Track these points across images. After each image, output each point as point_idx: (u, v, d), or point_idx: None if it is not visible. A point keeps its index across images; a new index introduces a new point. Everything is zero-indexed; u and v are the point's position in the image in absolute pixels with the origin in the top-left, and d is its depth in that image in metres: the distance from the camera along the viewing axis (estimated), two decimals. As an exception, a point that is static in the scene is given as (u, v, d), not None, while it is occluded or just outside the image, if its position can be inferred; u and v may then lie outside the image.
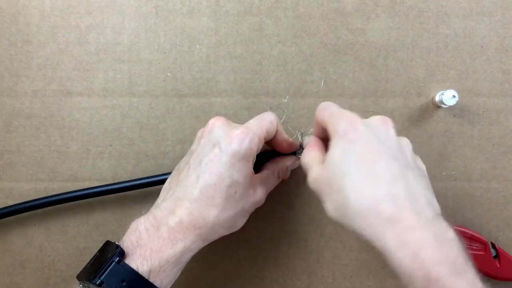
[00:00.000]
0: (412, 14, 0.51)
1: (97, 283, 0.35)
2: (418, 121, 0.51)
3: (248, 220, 0.51)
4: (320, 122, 0.40)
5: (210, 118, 0.50)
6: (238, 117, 0.50)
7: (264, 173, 0.43)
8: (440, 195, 0.51)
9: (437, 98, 0.49)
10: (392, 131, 0.38)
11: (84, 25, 0.51)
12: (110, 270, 0.35)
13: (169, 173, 0.47)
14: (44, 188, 0.50)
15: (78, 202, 0.50)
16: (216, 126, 0.40)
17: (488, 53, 0.51)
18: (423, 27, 0.51)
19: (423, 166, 0.39)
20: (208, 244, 0.50)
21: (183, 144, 0.50)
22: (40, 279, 0.50)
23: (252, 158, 0.39)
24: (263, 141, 0.40)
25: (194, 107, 0.51)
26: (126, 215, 0.50)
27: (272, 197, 0.50)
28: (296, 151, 0.46)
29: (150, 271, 0.36)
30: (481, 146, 0.51)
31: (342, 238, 0.51)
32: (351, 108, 0.51)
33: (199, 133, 0.43)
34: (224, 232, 0.40)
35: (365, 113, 0.51)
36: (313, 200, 0.51)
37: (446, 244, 0.30)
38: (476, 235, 0.49)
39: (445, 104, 0.48)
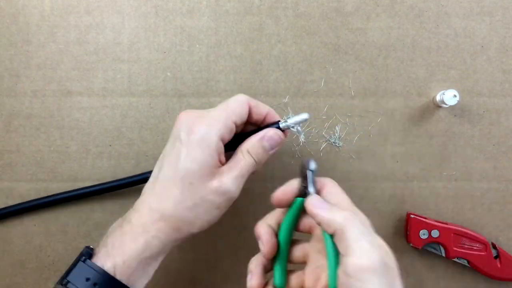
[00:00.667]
0: (413, 13, 0.51)
1: (63, 283, 0.36)
2: (418, 121, 0.51)
3: (248, 220, 0.51)
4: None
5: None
6: (238, 117, 0.50)
7: (231, 160, 0.39)
8: (440, 195, 0.51)
9: (437, 98, 0.49)
10: None
11: (84, 25, 0.50)
12: (75, 270, 0.36)
13: None
14: (44, 188, 0.50)
15: (78, 202, 0.50)
16: (180, 120, 0.39)
17: (489, 53, 0.51)
18: (424, 27, 0.51)
19: None
20: (208, 244, 0.51)
21: (183, 144, 0.50)
22: (40, 279, 0.50)
23: (215, 146, 0.37)
24: (232, 125, 0.38)
25: (194, 107, 0.50)
26: (126, 215, 0.50)
27: (273, 196, 0.50)
28: (278, 121, 0.41)
29: (114, 267, 0.36)
30: (482, 146, 0.51)
31: (342, 238, 0.50)
32: (352, 108, 0.51)
33: None
34: (187, 228, 0.38)
35: (365, 113, 0.51)
36: (313, 200, 0.50)
37: None
38: (476, 235, 0.49)
39: (445, 104, 0.48)
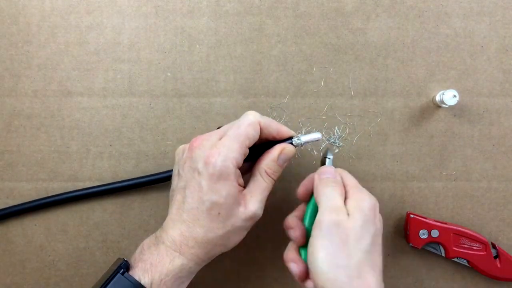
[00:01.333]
0: (412, 14, 0.51)
1: None
2: (418, 121, 0.51)
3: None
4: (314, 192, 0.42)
5: (210, 118, 0.51)
6: (238, 117, 0.50)
7: (251, 183, 0.42)
8: (440, 195, 0.51)
9: (437, 98, 0.49)
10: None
11: (84, 25, 0.51)
12: (114, 281, 0.38)
13: (167, 171, 0.48)
14: (45, 188, 0.50)
15: (78, 202, 0.50)
16: (195, 148, 0.40)
17: (489, 53, 0.51)
18: (424, 27, 0.51)
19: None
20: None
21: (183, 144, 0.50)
22: (40, 279, 0.50)
23: (233, 175, 0.39)
24: (246, 150, 0.40)
25: (194, 107, 0.51)
26: (126, 215, 0.50)
27: (272, 197, 0.50)
28: (292, 137, 0.43)
29: (151, 283, 0.38)
30: (482, 146, 0.51)
31: (342, 238, 0.51)
32: (352, 108, 0.51)
33: (179, 152, 0.43)
34: (220, 250, 0.41)
35: (365, 113, 0.51)
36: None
37: None
38: (476, 235, 0.49)
39: (445, 104, 0.48)
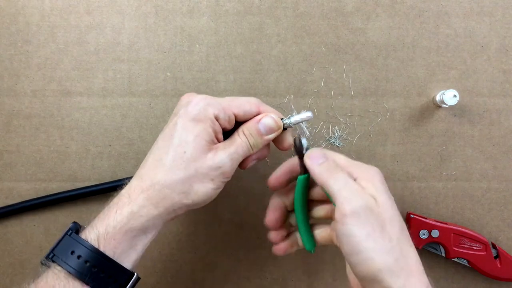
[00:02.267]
0: (413, 13, 0.51)
1: (49, 256, 0.36)
2: (418, 121, 0.51)
3: (248, 220, 0.51)
4: (319, 180, 0.38)
5: (210, 118, 0.50)
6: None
7: (228, 139, 0.40)
8: (440, 195, 0.51)
9: (437, 98, 0.49)
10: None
11: (84, 25, 0.50)
12: (61, 244, 0.36)
13: None
14: (44, 188, 0.50)
15: (77, 202, 0.50)
16: (182, 98, 0.40)
17: (489, 53, 0.51)
18: (424, 27, 0.51)
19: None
20: (208, 244, 0.51)
21: (183, 144, 0.50)
22: (39, 279, 0.50)
23: (209, 121, 0.38)
24: (231, 115, 0.39)
25: (194, 107, 0.50)
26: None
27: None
28: (282, 119, 0.41)
29: (98, 239, 0.36)
30: (482, 146, 0.51)
31: (342, 238, 0.51)
32: (352, 108, 0.51)
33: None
34: (179, 199, 0.37)
35: (365, 113, 0.51)
36: (313, 200, 0.50)
37: None
38: (476, 235, 0.49)
39: (445, 104, 0.48)
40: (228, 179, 0.39)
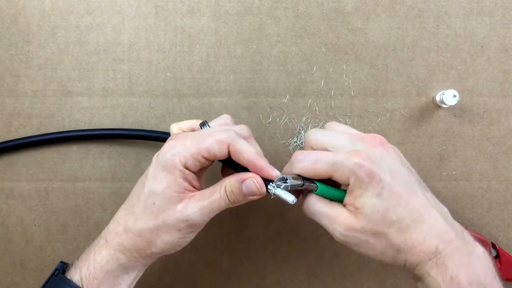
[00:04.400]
0: (412, 14, 0.51)
1: None
2: (418, 121, 0.51)
3: (248, 220, 0.51)
4: (319, 175, 0.37)
5: (210, 118, 0.50)
6: (238, 117, 0.50)
7: (208, 189, 0.39)
8: (440, 195, 0.51)
9: (437, 98, 0.49)
10: (393, 153, 0.38)
11: (84, 25, 0.51)
12: (48, 283, 0.38)
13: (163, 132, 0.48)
14: (44, 188, 0.50)
15: (77, 202, 0.50)
16: (166, 144, 0.39)
17: (489, 53, 0.51)
18: (424, 27, 0.51)
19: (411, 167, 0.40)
20: (208, 244, 0.51)
21: (183, 144, 0.50)
22: (40, 279, 0.50)
23: (178, 172, 0.37)
24: (201, 159, 0.37)
25: (194, 107, 0.51)
26: (126, 215, 0.50)
27: (272, 197, 0.50)
28: (269, 182, 0.38)
29: (81, 279, 0.37)
30: (482, 146, 0.51)
31: (342, 238, 0.51)
32: (351, 108, 0.51)
33: None
34: (148, 245, 0.38)
35: (365, 113, 0.51)
36: (313, 200, 0.51)
37: (477, 262, 0.35)
38: (476, 235, 0.49)
39: (445, 104, 0.48)
40: (198, 230, 0.39)
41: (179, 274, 0.51)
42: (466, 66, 0.51)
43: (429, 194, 0.38)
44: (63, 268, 0.39)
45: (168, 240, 0.38)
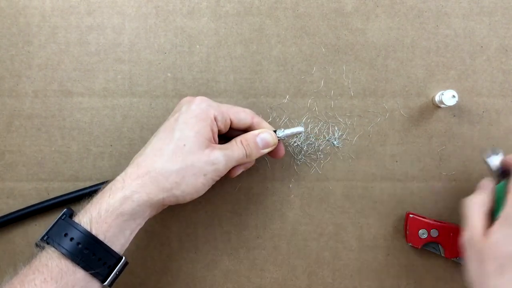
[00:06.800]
0: (412, 14, 0.51)
1: (43, 238, 0.38)
2: (418, 121, 0.51)
3: (248, 220, 0.51)
4: None
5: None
6: (238, 117, 0.51)
7: (227, 144, 0.43)
8: (440, 195, 0.51)
9: (437, 98, 0.49)
10: None
11: (85, 25, 0.51)
12: (55, 227, 0.38)
13: None
14: (45, 188, 0.50)
15: (78, 202, 0.50)
16: (184, 98, 0.43)
17: (488, 53, 0.51)
18: (423, 27, 0.51)
19: None
20: (208, 244, 0.51)
21: (183, 144, 0.51)
22: (41, 278, 0.50)
23: (210, 121, 0.41)
24: (228, 120, 0.42)
25: (194, 107, 0.51)
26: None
27: (272, 197, 0.50)
28: (275, 130, 0.45)
29: (90, 222, 0.37)
30: (481, 146, 0.51)
31: (342, 238, 0.51)
32: (351, 108, 0.51)
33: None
34: (172, 186, 0.39)
35: (365, 113, 0.51)
36: (313, 200, 0.51)
37: None
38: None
39: (445, 104, 0.48)
40: (218, 178, 0.42)
41: (179, 273, 0.51)
42: (465, 66, 0.51)
43: None
44: (70, 213, 0.39)
45: (193, 183, 0.40)
